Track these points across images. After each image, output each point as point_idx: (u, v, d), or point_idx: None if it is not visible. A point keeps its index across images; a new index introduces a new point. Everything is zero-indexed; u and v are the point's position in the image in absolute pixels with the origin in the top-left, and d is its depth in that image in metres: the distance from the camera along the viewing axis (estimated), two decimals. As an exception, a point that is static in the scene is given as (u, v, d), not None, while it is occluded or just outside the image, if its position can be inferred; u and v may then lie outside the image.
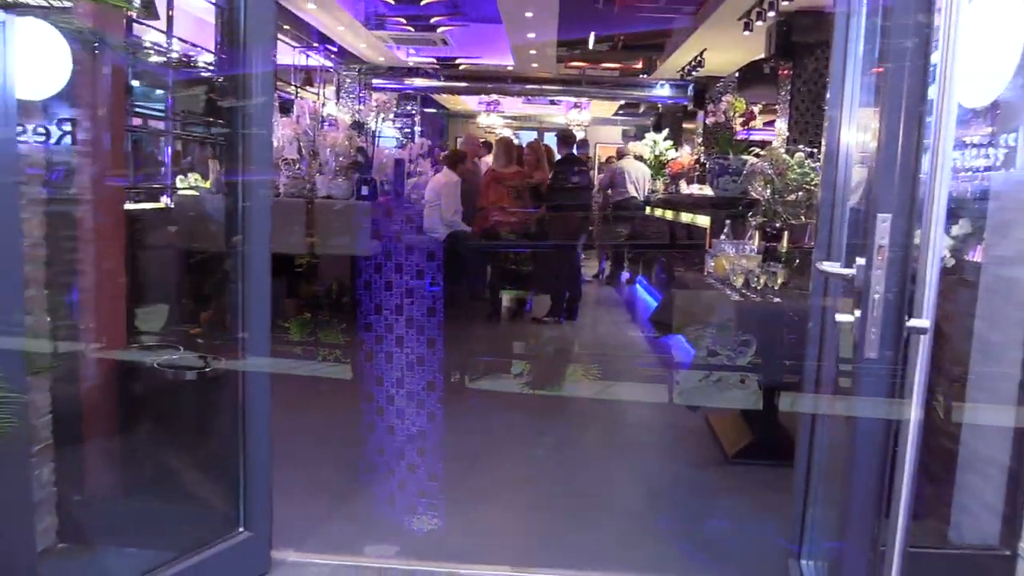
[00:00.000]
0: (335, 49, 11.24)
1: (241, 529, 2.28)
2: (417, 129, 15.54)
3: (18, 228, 1.63)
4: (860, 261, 1.54)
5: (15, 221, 1.59)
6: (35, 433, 1.98)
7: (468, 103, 18.50)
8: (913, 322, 1.47)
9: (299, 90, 10.61)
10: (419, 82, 13.23)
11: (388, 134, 11.60)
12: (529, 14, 8.07)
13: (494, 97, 15.85)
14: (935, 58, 1.67)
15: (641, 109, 17.88)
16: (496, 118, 17.98)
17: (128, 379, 2.70)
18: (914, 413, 1.53)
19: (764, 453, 3.41)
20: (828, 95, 2.63)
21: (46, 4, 1.44)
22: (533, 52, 10.36)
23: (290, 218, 5.77)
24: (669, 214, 7.43)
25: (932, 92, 1.63)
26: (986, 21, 2.54)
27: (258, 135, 2.14)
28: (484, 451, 3.55)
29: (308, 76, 11.05)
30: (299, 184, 6.27)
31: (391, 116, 10.39)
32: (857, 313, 1.55)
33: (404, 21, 9.06)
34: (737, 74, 10.94)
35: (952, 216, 3.01)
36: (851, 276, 1.57)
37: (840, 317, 1.65)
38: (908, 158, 1.57)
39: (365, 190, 6.45)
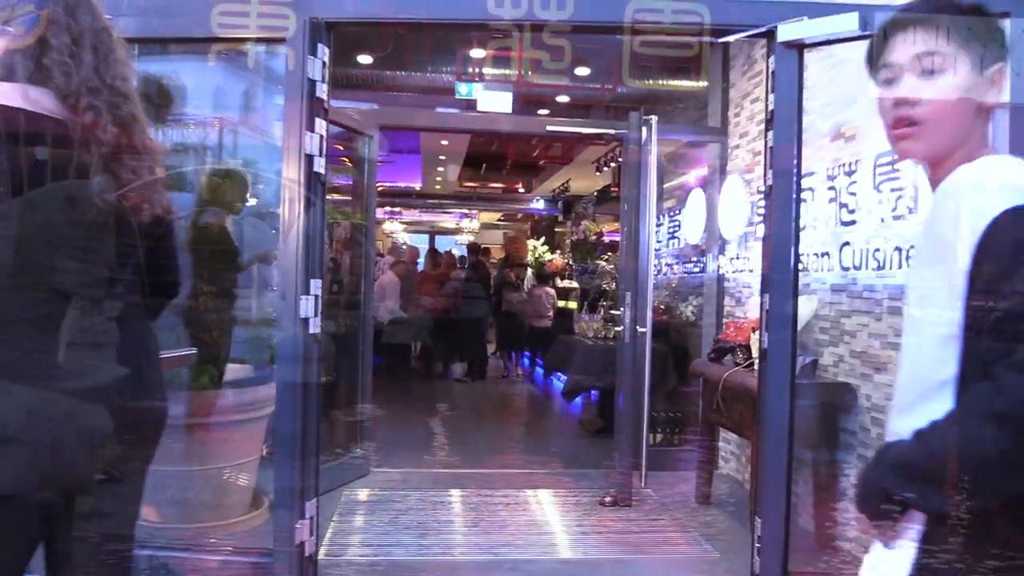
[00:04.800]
0: (273, 173, 13.61)
1: (359, 450, 4.72)
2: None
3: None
4: (621, 309, 4.30)
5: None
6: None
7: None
8: (640, 329, 4.23)
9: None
10: (338, 196, 15.66)
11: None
12: (443, 157, 10.93)
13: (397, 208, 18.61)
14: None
15: (519, 217, 21.11)
16: (397, 224, 20.73)
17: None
18: (647, 366, 4.27)
19: (609, 431, 6.08)
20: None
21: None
22: (439, 179, 13.19)
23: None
24: (549, 302, 10.29)
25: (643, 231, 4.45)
26: (694, 207, 5.53)
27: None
28: (447, 433, 6.06)
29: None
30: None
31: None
32: (621, 328, 4.30)
33: (348, 160, 11.56)
34: (595, 193, 14.28)
35: (694, 294, 5.94)
36: (619, 314, 4.33)
37: (617, 328, 4.40)
38: (634, 264, 4.34)
39: (335, 287, 8.90)
